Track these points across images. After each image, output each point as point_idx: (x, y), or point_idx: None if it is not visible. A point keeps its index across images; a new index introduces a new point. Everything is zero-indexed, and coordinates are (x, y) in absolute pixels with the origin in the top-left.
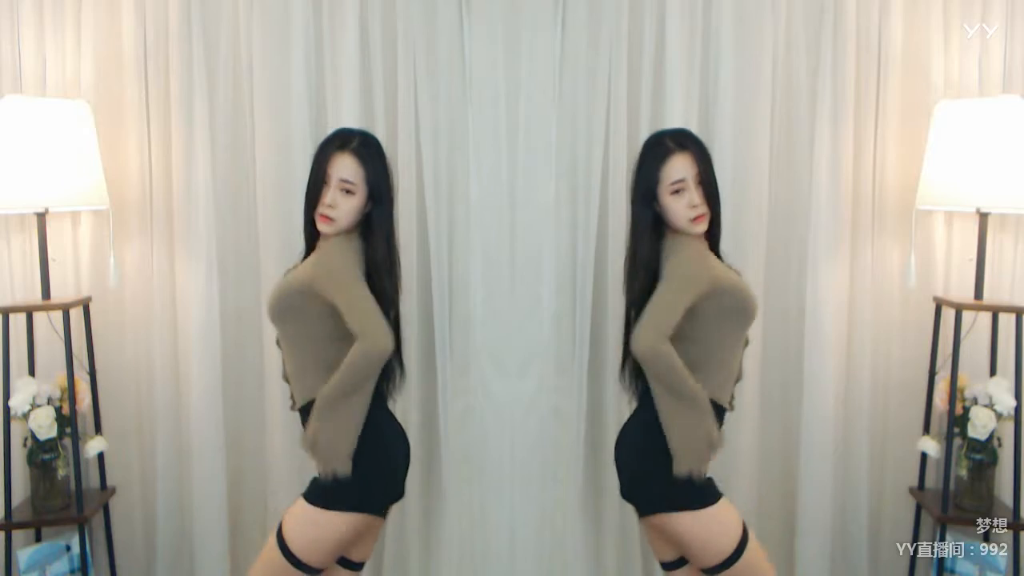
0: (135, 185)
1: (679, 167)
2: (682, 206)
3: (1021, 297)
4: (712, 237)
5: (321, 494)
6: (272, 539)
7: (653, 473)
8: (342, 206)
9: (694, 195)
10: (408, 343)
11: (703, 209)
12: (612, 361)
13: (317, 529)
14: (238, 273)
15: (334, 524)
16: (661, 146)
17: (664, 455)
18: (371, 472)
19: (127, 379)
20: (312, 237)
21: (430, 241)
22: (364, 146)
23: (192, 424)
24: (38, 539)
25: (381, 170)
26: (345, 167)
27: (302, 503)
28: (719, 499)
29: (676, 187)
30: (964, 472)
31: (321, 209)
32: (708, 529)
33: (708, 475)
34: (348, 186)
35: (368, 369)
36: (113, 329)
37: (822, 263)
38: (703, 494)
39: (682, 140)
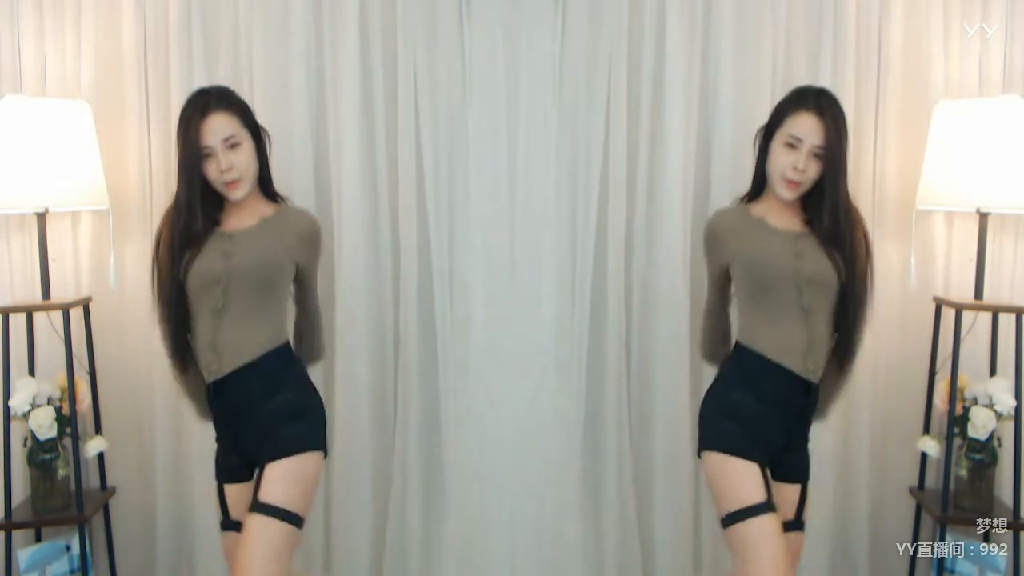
0: (135, 185)
1: (805, 126)
2: (785, 161)
3: (1021, 297)
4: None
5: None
6: (263, 525)
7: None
8: (239, 163)
9: (803, 160)
10: (408, 343)
11: (801, 177)
12: (611, 360)
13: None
14: None
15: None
16: (801, 96)
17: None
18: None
19: (127, 379)
20: (210, 219)
21: (430, 241)
22: (226, 102)
23: (192, 424)
24: (38, 539)
25: (248, 111)
26: (222, 124)
27: (301, 461)
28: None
29: (789, 141)
30: (964, 472)
31: (224, 177)
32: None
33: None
34: (232, 140)
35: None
36: (113, 329)
37: None
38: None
39: (815, 100)
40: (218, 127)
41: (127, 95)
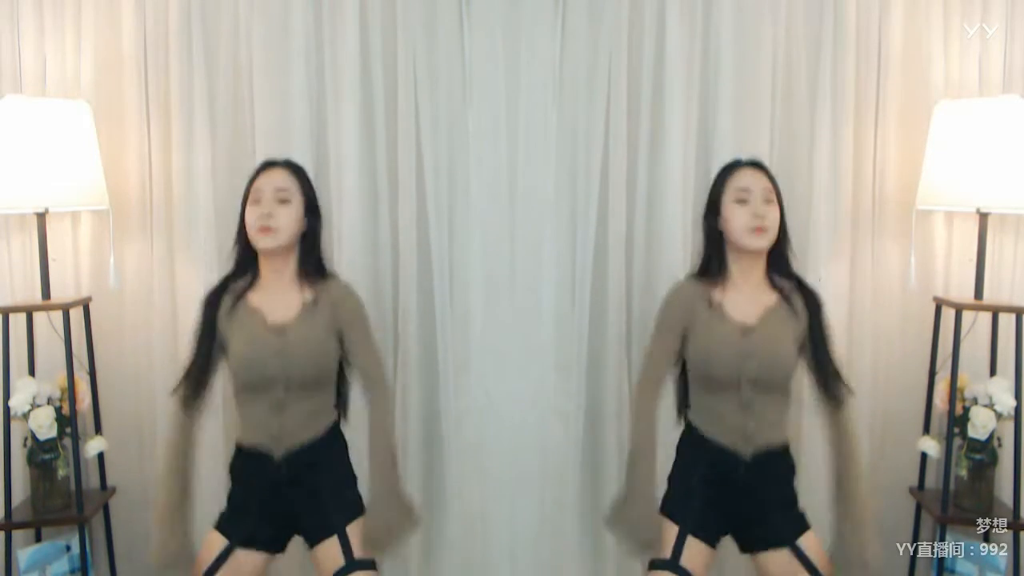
0: (135, 185)
1: (747, 178)
2: (745, 216)
3: (1021, 297)
4: (776, 261)
5: None
6: None
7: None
8: (281, 216)
9: (760, 207)
10: (408, 342)
11: (765, 221)
12: (611, 360)
13: None
14: None
15: None
16: (733, 163)
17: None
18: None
19: (127, 379)
20: (246, 260)
21: (431, 241)
22: (292, 164)
23: None
24: (38, 539)
25: (311, 186)
26: (279, 177)
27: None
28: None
29: (740, 196)
30: (964, 472)
31: (260, 221)
32: None
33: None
34: (283, 194)
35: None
36: (113, 329)
37: (822, 263)
38: None
39: (748, 160)
40: (274, 177)
41: (127, 95)
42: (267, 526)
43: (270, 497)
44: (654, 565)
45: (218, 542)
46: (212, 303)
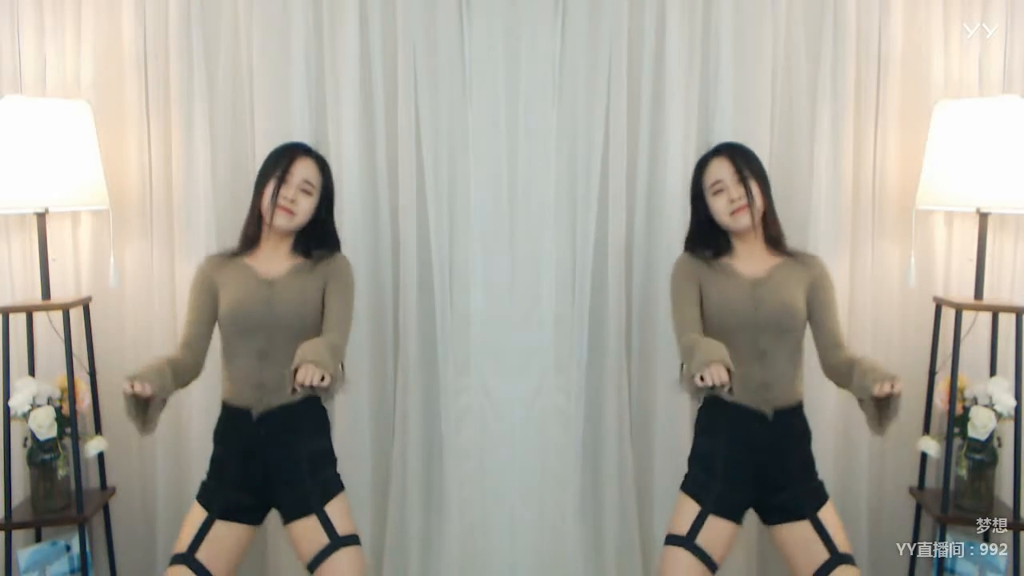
0: (135, 185)
1: (716, 170)
2: (722, 203)
3: (1021, 297)
4: (767, 230)
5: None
6: (353, 553)
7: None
8: (301, 203)
9: (733, 191)
10: (408, 342)
11: (742, 201)
12: (611, 360)
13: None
14: None
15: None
16: (702, 159)
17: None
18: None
19: None
20: (256, 231)
21: (431, 241)
22: (320, 158)
23: (192, 423)
24: (38, 539)
25: (331, 180)
26: (308, 169)
27: (344, 499)
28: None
29: (715, 188)
30: (964, 472)
31: (282, 202)
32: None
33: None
34: (308, 187)
35: (339, 356)
36: (113, 329)
37: None
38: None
39: (719, 147)
40: (305, 168)
41: (127, 95)
42: (244, 494)
43: (247, 460)
44: (670, 540)
45: (199, 515)
46: (205, 266)
